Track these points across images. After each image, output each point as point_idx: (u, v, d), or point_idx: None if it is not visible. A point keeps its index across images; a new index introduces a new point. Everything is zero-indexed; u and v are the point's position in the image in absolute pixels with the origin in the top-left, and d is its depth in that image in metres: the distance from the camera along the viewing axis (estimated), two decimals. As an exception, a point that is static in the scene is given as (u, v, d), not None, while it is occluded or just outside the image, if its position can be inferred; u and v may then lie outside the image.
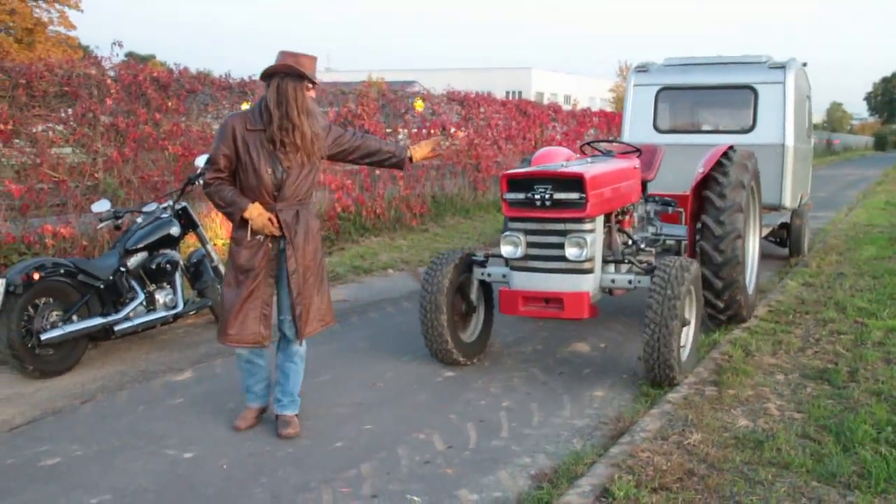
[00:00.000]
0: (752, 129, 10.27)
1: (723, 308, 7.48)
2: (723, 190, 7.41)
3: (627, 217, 7.48)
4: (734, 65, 10.62)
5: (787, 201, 10.31)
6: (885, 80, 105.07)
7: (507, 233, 6.34)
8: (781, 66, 10.24)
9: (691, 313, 6.35)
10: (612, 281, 6.53)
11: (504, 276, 6.63)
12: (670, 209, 8.47)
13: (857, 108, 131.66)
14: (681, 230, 8.27)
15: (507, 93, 36.26)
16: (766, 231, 10.30)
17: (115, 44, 10.20)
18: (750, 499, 4.20)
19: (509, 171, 6.37)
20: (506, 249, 6.34)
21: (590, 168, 6.38)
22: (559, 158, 7.60)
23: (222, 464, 4.91)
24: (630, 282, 6.50)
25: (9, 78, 8.44)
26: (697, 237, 7.52)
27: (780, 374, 6.33)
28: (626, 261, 6.88)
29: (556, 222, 6.20)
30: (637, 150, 7.81)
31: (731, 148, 7.88)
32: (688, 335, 6.35)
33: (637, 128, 10.83)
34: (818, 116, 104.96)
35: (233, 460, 4.96)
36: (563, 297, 6.17)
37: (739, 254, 7.31)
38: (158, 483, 4.66)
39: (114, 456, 5.05)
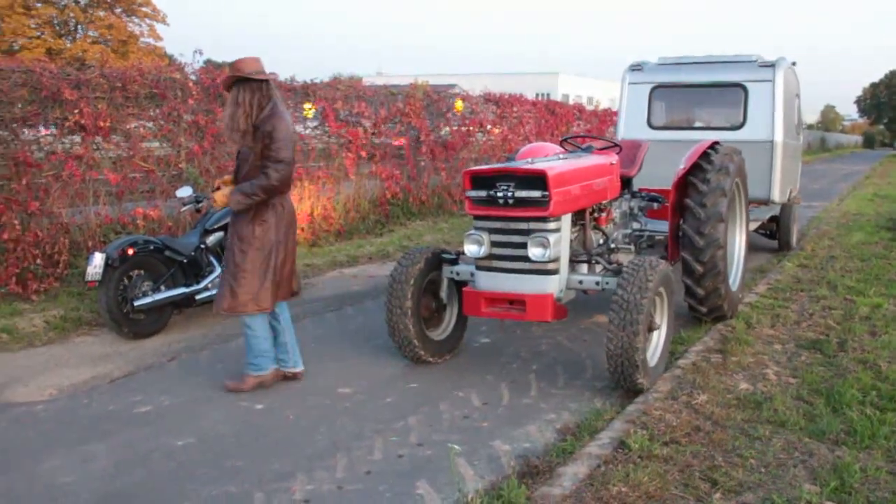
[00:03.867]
0: (742, 125, 9.55)
1: (703, 297, 6.55)
2: (707, 175, 6.60)
3: (605, 214, 6.47)
4: (725, 63, 9.89)
5: (776, 196, 9.52)
6: (874, 86, 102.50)
7: (471, 231, 5.50)
8: (771, 65, 9.55)
9: (661, 317, 5.48)
10: (580, 282, 5.65)
11: (472, 274, 5.76)
12: (656, 205, 7.36)
13: (849, 110, 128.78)
14: (665, 226, 7.14)
15: (537, 94, 35.95)
16: (755, 224, 9.77)
17: (196, 52, 10.27)
18: (749, 452, 4.18)
19: (472, 168, 5.51)
20: (469, 248, 5.48)
21: (555, 165, 5.56)
22: (544, 155, 6.60)
23: (289, 414, 4.98)
24: (598, 283, 5.61)
25: (107, 82, 8.53)
26: (681, 221, 6.66)
27: (777, 344, 6.26)
28: (595, 261, 6.01)
29: (519, 221, 5.34)
30: (616, 146, 6.90)
31: (715, 143, 7.05)
32: (658, 340, 5.48)
33: (632, 124, 10.13)
34: (813, 117, 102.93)
35: (298, 411, 5.02)
36: (526, 298, 5.32)
37: (721, 238, 6.43)
38: (235, 429, 4.74)
39: (197, 406, 5.14)
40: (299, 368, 5.63)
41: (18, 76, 7.76)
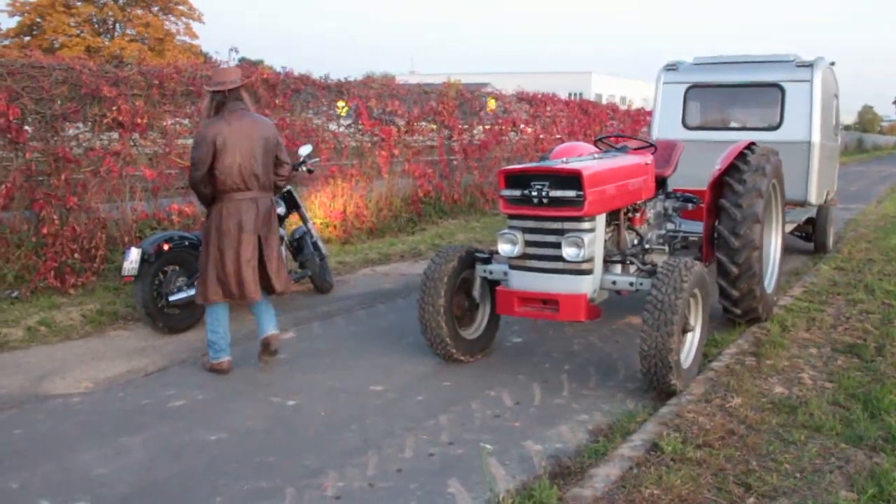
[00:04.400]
0: (778, 126, 9.39)
1: (738, 298, 6.45)
2: (743, 176, 6.50)
3: (639, 214, 6.40)
4: (762, 63, 9.72)
5: (813, 198, 9.39)
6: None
7: (505, 230, 5.46)
8: (809, 65, 9.38)
9: (696, 319, 5.38)
10: (613, 282, 5.59)
11: (505, 273, 5.72)
12: (691, 206, 7.24)
13: (887, 111, 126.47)
14: (699, 227, 7.06)
15: (570, 94, 35.69)
16: (791, 226, 9.61)
17: (231, 50, 10.36)
18: (784, 457, 4.11)
19: (506, 167, 5.49)
20: (503, 248, 5.45)
21: (590, 165, 5.51)
22: (579, 155, 6.50)
23: (320, 411, 4.99)
24: (632, 283, 5.55)
25: (145, 79, 8.62)
26: (716, 222, 6.56)
27: (813, 348, 6.16)
28: (629, 261, 5.95)
29: (554, 221, 5.30)
30: (651, 146, 6.82)
31: (751, 144, 6.95)
32: (692, 342, 5.37)
33: (666, 125, 10.01)
34: (850, 118, 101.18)
35: (329, 409, 5.03)
36: (560, 298, 5.29)
37: (757, 239, 6.31)
38: (266, 425, 4.76)
39: (229, 401, 5.18)
40: (269, 332, 5.84)
41: (59, 73, 7.88)
